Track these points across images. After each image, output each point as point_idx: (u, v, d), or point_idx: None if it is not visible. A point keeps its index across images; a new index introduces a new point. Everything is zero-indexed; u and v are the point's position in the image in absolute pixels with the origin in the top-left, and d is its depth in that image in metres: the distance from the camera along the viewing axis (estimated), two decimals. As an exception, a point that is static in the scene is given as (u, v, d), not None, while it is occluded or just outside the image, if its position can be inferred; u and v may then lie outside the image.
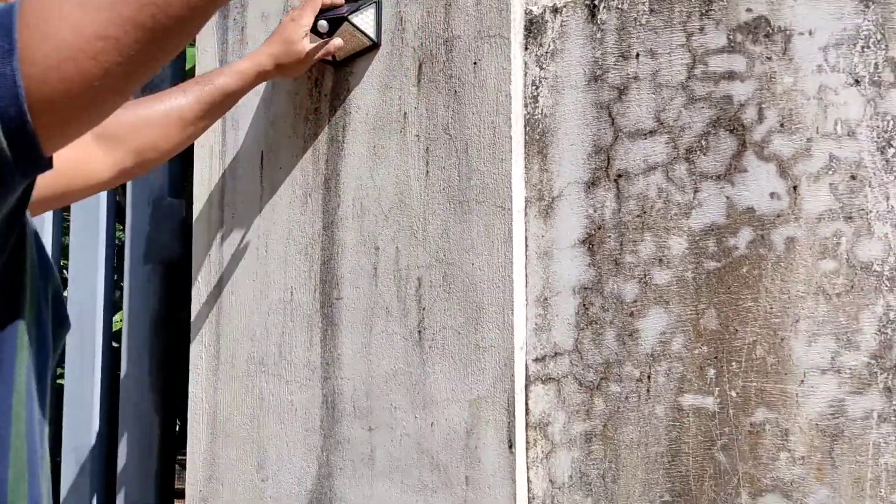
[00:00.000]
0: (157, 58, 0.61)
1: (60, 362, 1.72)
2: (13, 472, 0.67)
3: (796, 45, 1.17)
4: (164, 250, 1.65)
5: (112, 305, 1.77)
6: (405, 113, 1.32)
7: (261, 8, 1.45)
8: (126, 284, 1.67)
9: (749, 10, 1.19)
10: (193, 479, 1.46)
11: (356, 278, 1.34)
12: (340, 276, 1.35)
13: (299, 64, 1.29)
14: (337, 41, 1.30)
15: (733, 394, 1.16)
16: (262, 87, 1.43)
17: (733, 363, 1.16)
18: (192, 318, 1.50)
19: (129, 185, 1.70)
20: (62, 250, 2.07)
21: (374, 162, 1.34)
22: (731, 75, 1.20)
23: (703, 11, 1.21)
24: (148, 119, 1.19)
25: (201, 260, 1.50)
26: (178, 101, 1.22)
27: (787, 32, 1.18)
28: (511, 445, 1.21)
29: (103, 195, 1.69)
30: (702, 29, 1.22)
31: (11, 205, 0.62)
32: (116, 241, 1.82)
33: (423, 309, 1.29)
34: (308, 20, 1.28)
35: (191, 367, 1.50)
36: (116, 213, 1.78)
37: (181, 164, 1.66)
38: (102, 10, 0.57)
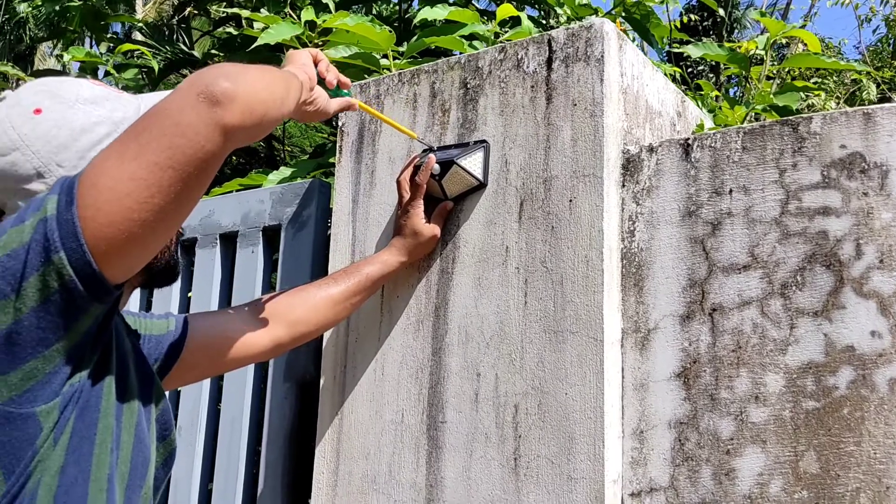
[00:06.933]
0: (181, 192, 0.75)
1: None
2: None
3: (894, 181, 1.15)
4: (300, 370, 1.80)
5: (258, 417, 1.92)
6: (507, 247, 1.40)
7: (388, 153, 1.61)
8: (267, 401, 1.82)
9: (843, 146, 1.19)
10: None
11: (459, 403, 1.40)
12: (445, 400, 1.42)
13: (429, 246, 1.48)
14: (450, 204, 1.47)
15: (835, 545, 1.09)
16: (386, 219, 1.58)
17: (835, 511, 1.10)
18: (317, 435, 1.61)
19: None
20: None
21: (478, 292, 1.42)
22: (825, 211, 1.18)
23: (796, 149, 1.22)
24: (304, 298, 1.39)
25: (329, 380, 1.63)
26: (329, 289, 1.41)
27: (884, 168, 1.16)
28: (600, 582, 1.18)
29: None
30: (795, 165, 1.22)
31: (90, 326, 0.77)
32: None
33: (520, 437, 1.32)
34: (420, 200, 1.44)
35: (313, 482, 1.60)
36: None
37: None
38: (132, 160, 0.73)
